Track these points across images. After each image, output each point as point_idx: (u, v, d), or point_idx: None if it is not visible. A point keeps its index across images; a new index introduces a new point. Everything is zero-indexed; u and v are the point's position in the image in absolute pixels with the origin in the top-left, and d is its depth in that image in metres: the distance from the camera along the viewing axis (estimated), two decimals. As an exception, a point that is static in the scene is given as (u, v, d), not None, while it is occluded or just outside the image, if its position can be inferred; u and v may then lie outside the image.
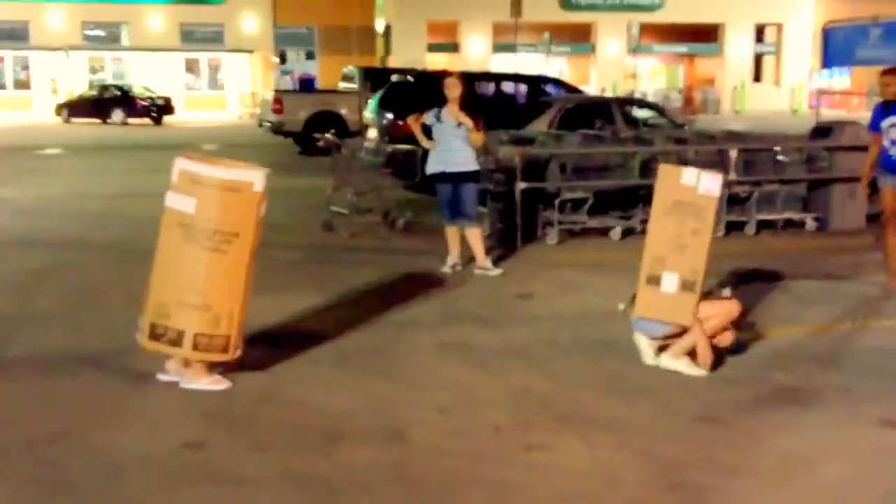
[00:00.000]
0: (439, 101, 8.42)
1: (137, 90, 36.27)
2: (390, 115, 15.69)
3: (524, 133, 11.55)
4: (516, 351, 6.20)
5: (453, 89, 8.32)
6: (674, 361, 5.71)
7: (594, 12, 45.66)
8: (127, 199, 13.73)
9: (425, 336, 6.53)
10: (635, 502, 4.02)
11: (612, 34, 45.97)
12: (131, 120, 34.83)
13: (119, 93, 35.65)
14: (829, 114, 32.49)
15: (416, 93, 16.02)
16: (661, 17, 45.30)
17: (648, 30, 43.92)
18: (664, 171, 5.94)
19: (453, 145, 8.30)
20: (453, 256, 8.65)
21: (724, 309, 5.76)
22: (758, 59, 48.83)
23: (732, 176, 10.42)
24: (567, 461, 4.45)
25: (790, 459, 4.43)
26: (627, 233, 10.40)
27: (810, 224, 10.83)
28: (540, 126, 12.85)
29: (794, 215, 10.93)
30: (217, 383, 5.47)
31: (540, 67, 38.77)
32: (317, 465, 4.42)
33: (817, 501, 4.02)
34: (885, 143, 7.93)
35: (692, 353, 5.69)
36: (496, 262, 8.77)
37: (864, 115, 22.16)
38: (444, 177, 8.43)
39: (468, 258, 8.64)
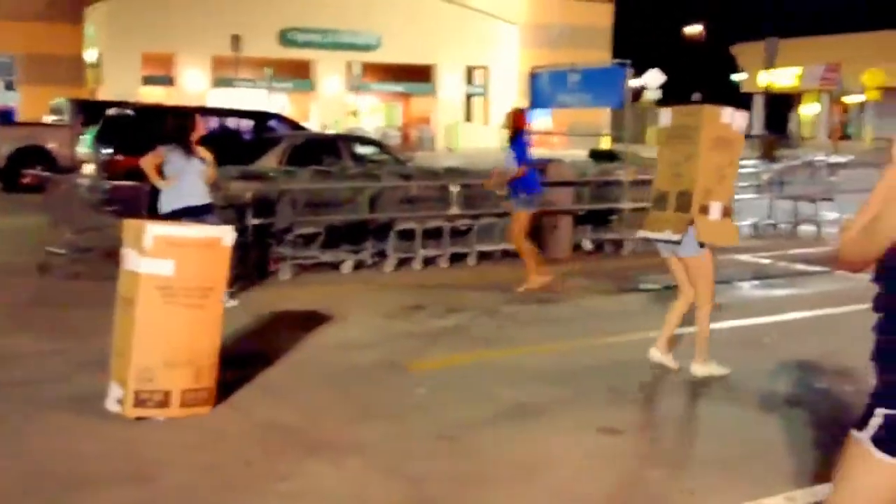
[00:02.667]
0: (162, 135, 8.46)
1: None
2: (109, 151, 15.11)
3: (254, 169, 11.61)
4: (261, 385, 6.25)
5: (201, 127, 8.51)
6: (704, 368, 6.42)
7: (313, 50, 46.29)
8: None
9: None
10: (387, 519, 4.26)
11: (331, 72, 46.80)
12: None
13: None
14: (533, 152, 34.95)
15: (137, 127, 15.55)
16: (378, 57, 46.76)
17: (367, 69, 45.19)
18: (709, 111, 6.45)
19: (191, 180, 8.35)
20: None
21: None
22: (469, 100, 51.58)
23: (454, 210, 11.07)
24: (319, 487, 4.61)
25: (522, 467, 4.85)
26: (358, 266, 10.74)
27: (524, 254, 11.65)
28: (269, 162, 12.94)
29: (509, 246, 11.73)
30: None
31: (261, 103, 38.73)
32: (62, 511, 4.28)
33: (549, 502, 4.44)
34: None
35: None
36: (230, 297, 8.77)
37: (566, 153, 24.11)
38: (187, 211, 8.47)
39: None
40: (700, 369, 6.45)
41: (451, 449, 5.12)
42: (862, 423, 2.57)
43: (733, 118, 6.42)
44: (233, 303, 8.58)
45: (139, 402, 5.37)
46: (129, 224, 5.73)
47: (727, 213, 6.37)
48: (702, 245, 6.33)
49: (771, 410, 5.89)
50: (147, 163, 8.47)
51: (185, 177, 8.35)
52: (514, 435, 5.34)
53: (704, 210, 6.28)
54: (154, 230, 5.44)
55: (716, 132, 6.34)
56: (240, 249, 10.23)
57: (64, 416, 5.54)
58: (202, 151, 8.36)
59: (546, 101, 13.89)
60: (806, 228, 13.83)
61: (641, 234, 6.89)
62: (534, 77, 13.68)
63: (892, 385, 2.52)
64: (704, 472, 4.78)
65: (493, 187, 10.44)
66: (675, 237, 6.33)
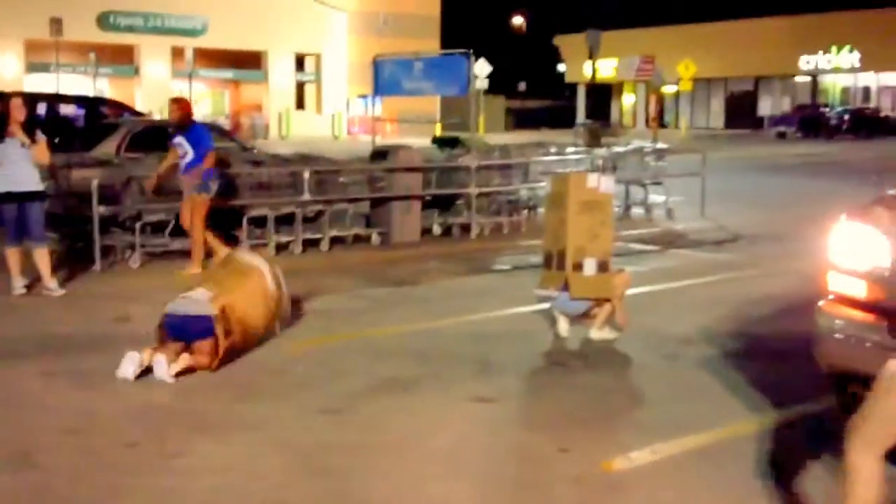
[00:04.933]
0: None
1: None
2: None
3: (98, 156, 11.27)
4: (129, 371, 6.21)
5: (19, 111, 8.48)
6: (600, 333, 6.99)
7: (135, 34, 44.69)
8: None
9: (27, 365, 6.31)
10: (283, 487, 4.38)
11: (155, 57, 45.33)
12: None
13: None
14: (367, 139, 35.21)
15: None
16: (205, 42, 45.58)
17: (194, 54, 43.94)
18: (574, 178, 7.25)
19: (18, 166, 8.33)
20: (19, 279, 8.59)
21: (625, 280, 7.06)
22: (300, 87, 51.13)
23: (306, 196, 11.14)
24: (212, 463, 4.67)
25: (406, 436, 5.08)
26: (209, 253, 10.62)
27: (375, 238, 11.88)
28: (107, 148, 12.54)
29: (361, 231, 11.93)
30: None
31: (81, 89, 37.10)
32: (-56, 501, 4.19)
33: (436, 466, 4.67)
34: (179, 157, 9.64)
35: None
36: (76, 288, 8.74)
37: (400, 140, 24.33)
38: (10, 197, 8.38)
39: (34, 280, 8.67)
40: (597, 334, 7.06)
41: (337, 421, 5.29)
42: None
43: (599, 182, 7.06)
44: (61, 291, 8.54)
45: (577, 267, 6.83)
46: None
47: (604, 267, 6.93)
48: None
49: (625, 376, 6.38)
50: None
51: (11, 162, 8.30)
52: (394, 407, 5.56)
53: (578, 267, 6.87)
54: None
55: (582, 196, 6.95)
56: (81, 238, 10.10)
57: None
58: (25, 136, 8.31)
59: (389, 89, 14.13)
60: (637, 211, 14.67)
61: (536, 292, 7.38)
62: (377, 65, 13.88)
63: None
64: (574, 432, 5.14)
65: (164, 179, 9.92)
66: (554, 293, 7.02)
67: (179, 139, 9.61)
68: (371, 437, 5.04)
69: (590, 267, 6.91)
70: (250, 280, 6.72)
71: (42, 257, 8.53)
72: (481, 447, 4.94)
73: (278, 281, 7.00)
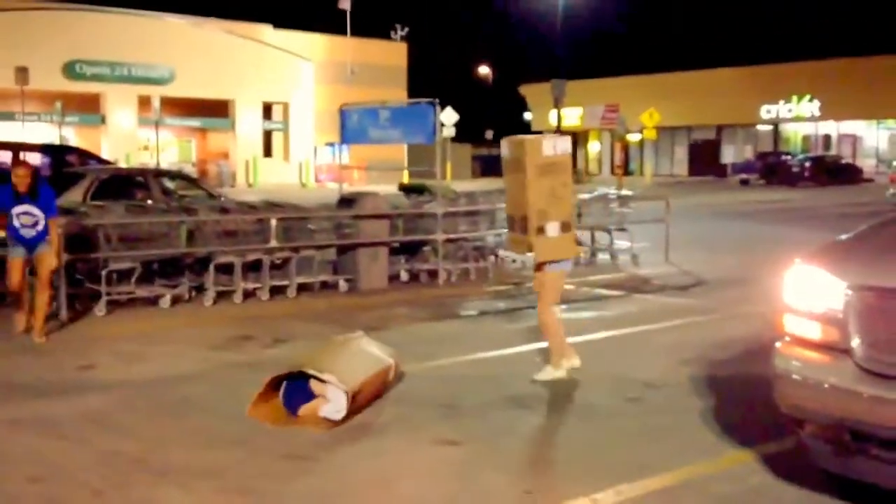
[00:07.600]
0: None
1: None
2: None
3: (64, 204, 11.23)
4: (94, 419, 6.19)
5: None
6: (555, 372, 7.21)
7: (102, 83, 44.71)
8: None
9: (-10, 413, 6.24)
10: (250, 535, 4.38)
11: (122, 105, 45.35)
12: None
13: None
14: (335, 187, 35.20)
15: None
16: (171, 91, 45.67)
17: (161, 103, 44.05)
18: (530, 145, 6.97)
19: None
20: None
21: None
22: (268, 135, 51.31)
23: (273, 243, 11.18)
24: (175, 510, 4.66)
25: (372, 480, 5.09)
26: (176, 301, 10.63)
27: (343, 285, 11.90)
28: (74, 197, 12.52)
29: (328, 277, 11.95)
30: None
31: (47, 137, 36.99)
32: None
33: (400, 511, 4.71)
34: (16, 224, 8.68)
35: None
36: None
37: (367, 187, 24.44)
38: None
39: None
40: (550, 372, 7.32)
41: (302, 468, 5.29)
42: None
43: (555, 148, 6.99)
44: None
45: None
46: None
47: (566, 227, 6.99)
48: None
49: (590, 418, 6.42)
50: None
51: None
52: (360, 451, 5.58)
53: (542, 230, 6.89)
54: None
55: (540, 160, 6.92)
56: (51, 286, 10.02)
57: None
58: None
59: (356, 137, 14.19)
60: (602, 256, 14.83)
61: (503, 253, 7.39)
62: (343, 114, 13.97)
63: None
64: (538, 473, 5.20)
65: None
66: (520, 257, 7.03)
67: (27, 207, 8.74)
68: (338, 483, 5.04)
69: (553, 229, 6.92)
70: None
71: None
72: (447, 490, 4.96)
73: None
